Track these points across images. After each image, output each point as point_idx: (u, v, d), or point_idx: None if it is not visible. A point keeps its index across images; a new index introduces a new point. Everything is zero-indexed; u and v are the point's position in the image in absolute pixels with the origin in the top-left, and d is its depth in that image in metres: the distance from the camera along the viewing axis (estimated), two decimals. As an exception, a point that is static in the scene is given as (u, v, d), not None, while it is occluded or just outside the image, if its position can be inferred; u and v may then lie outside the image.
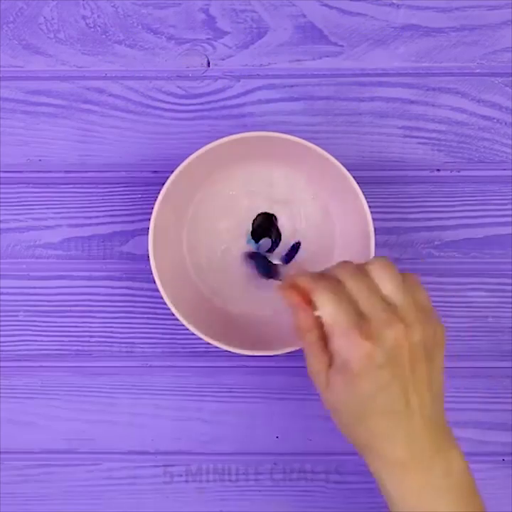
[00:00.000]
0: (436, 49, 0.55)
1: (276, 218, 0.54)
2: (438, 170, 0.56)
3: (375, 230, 0.49)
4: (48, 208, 0.56)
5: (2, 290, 0.56)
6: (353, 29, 0.55)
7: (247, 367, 0.56)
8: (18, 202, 0.56)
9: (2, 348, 0.56)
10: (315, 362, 0.42)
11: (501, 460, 0.56)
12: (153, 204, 0.49)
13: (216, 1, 0.55)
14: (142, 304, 0.56)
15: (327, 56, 0.55)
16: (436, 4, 0.55)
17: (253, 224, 0.54)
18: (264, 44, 0.55)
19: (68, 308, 0.56)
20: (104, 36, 0.55)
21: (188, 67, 0.56)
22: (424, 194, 0.56)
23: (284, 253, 0.54)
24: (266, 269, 0.52)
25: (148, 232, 0.49)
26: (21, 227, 0.56)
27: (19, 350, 0.56)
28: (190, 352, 0.56)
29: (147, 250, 0.49)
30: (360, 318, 0.39)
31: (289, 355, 0.51)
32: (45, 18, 0.55)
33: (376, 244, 0.49)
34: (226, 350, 0.50)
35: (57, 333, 0.56)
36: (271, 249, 0.54)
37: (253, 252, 0.54)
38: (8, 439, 0.57)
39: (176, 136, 0.56)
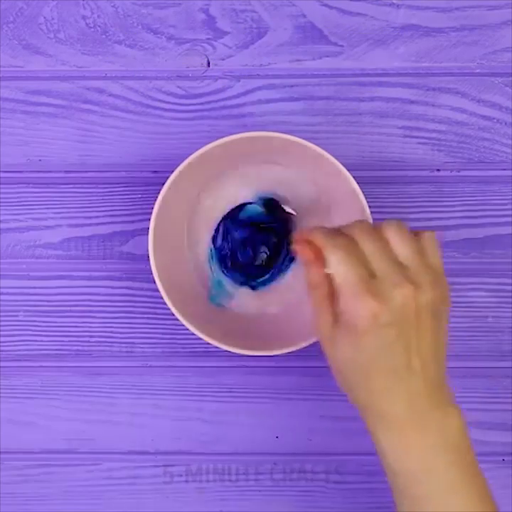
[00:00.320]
0: (436, 49, 0.55)
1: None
2: (438, 170, 0.56)
3: (375, 230, 0.49)
4: (47, 208, 0.56)
5: (2, 290, 0.56)
6: (353, 29, 0.55)
7: (247, 367, 0.56)
8: (18, 202, 0.56)
9: (2, 348, 0.56)
10: (321, 318, 0.42)
11: (501, 460, 0.56)
12: (153, 204, 0.49)
13: (216, 1, 0.55)
14: (142, 304, 0.56)
15: (327, 56, 0.55)
16: (436, 4, 0.55)
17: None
18: (264, 44, 0.55)
19: (68, 308, 0.56)
20: (104, 36, 0.55)
21: (188, 67, 0.56)
22: (424, 194, 0.56)
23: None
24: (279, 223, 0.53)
25: (148, 232, 0.49)
26: (21, 227, 0.56)
27: (19, 350, 0.56)
28: (190, 352, 0.56)
29: (147, 250, 0.49)
30: (370, 278, 0.40)
31: (289, 355, 0.50)
32: (45, 18, 0.55)
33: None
34: (226, 350, 0.50)
35: (57, 333, 0.56)
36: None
37: (269, 199, 0.53)
38: (8, 439, 0.57)
39: (175, 136, 0.56)
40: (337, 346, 0.41)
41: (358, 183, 0.48)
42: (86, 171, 0.56)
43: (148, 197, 0.55)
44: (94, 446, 0.57)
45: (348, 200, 0.50)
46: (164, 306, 0.49)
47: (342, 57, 0.55)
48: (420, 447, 0.41)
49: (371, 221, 0.49)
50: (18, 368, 0.56)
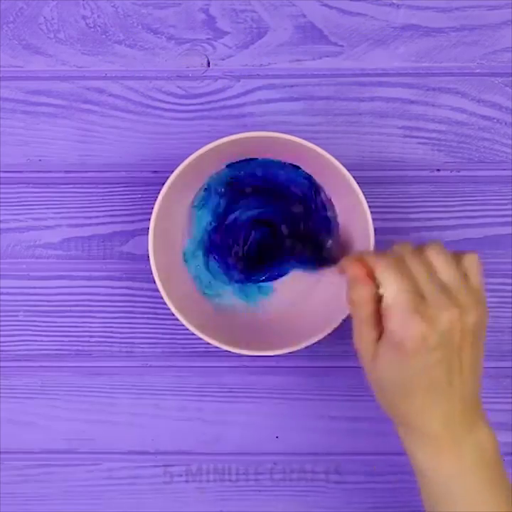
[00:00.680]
0: (436, 49, 0.55)
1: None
2: (438, 170, 0.56)
3: (375, 230, 0.49)
4: (47, 208, 0.56)
5: (2, 290, 0.56)
6: (353, 29, 0.55)
7: (247, 367, 0.56)
8: (18, 202, 0.56)
9: (2, 348, 0.56)
10: (365, 335, 0.43)
11: (501, 460, 0.56)
12: (153, 204, 0.49)
13: (216, 1, 0.55)
14: (142, 304, 0.56)
15: (327, 56, 0.55)
16: (436, 4, 0.55)
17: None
18: (264, 44, 0.55)
19: (68, 308, 0.56)
20: (104, 36, 0.55)
21: (188, 67, 0.56)
22: (424, 194, 0.56)
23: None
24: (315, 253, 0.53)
25: (148, 232, 0.49)
26: (21, 227, 0.56)
27: (19, 350, 0.56)
28: (190, 352, 0.56)
29: (147, 250, 0.49)
30: (420, 299, 0.40)
31: (289, 355, 0.50)
32: (45, 18, 0.55)
33: (376, 244, 0.49)
34: (226, 350, 0.50)
35: (57, 333, 0.56)
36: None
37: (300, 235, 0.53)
38: (8, 439, 0.57)
39: (175, 136, 0.56)
40: (380, 363, 0.42)
41: (358, 183, 0.48)
42: (86, 171, 0.56)
43: (148, 197, 0.55)
44: (94, 446, 0.57)
45: (348, 200, 0.50)
46: (164, 306, 0.49)
47: (342, 57, 0.55)
48: (455, 464, 0.43)
49: (371, 222, 0.49)
50: (18, 368, 0.56)
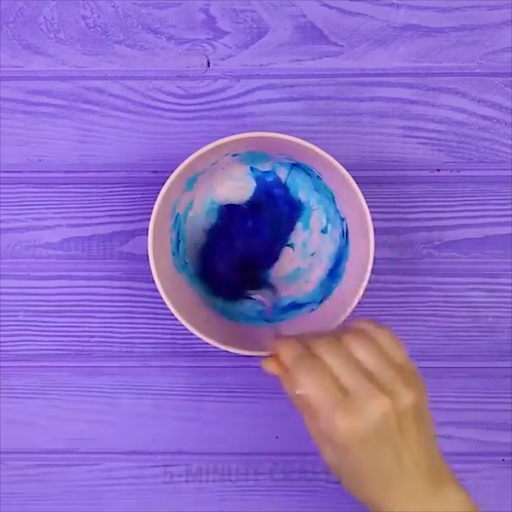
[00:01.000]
0: (436, 49, 0.55)
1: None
2: (438, 170, 0.56)
3: (375, 230, 0.49)
4: (47, 208, 0.56)
5: (2, 290, 0.56)
6: (353, 29, 0.55)
7: (247, 367, 0.56)
8: (18, 202, 0.56)
9: (2, 348, 0.56)
10: (309, 424, 0.43)
11: (501, 460, 0.56)
12: (153, 204, 0.49)
13: (216, 1, 0.55)
14: (142, 303, 0.56)
15: (327, 56, 0.55)
16: (436, 4, 0.55)
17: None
18: (264, 44, 0.55)
19: (68, 308, 0.56)
20: (104, 36, 0.55)
21: (188, 67, 0.56)
22: (424, 194, 0.56)
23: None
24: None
25: (148, 232, 0.49)
26: (21, 227, 0.56)
27: (19, 350, 0.56)
28: (190, 352, 0.56)
29: (147, 250, 0.49)
30: (340, 395, 0.40)
31: (289, 355, 0.50)
32: (45, 18, 0.55)
33: (376, 244, 0.49)
34: (226, 350, 0.50)
35: (57, 333, 0.56)
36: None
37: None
38: (8, 439, 0.57)
39: (175, 136, 0.56)
40: (328, 455, 0.42)
41: (357, 183, 0.48)
42: (86, 171, 0.56)
43: (148, 197, 0.55)
44: (94, 446, 0.57)
45: (348, 200, 0.50)
46: (164, 306, 0.49)
47: (342, 57, 0.55)
48: None
49: (370, 222, 0.48)
50: (18, 368, 0.56)
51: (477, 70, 0.55)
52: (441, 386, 0.56)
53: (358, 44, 0.55)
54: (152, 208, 0.49)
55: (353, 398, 0.40)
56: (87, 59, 0.55)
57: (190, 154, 0.48)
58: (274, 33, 0.55)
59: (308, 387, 0.40)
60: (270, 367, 0.44)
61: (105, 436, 0.57)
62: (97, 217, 0.56)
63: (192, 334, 0.50)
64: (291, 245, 0.54)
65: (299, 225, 0.54)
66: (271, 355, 0.44)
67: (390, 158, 0.55)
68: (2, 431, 0.57)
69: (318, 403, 0.40)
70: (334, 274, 0.53)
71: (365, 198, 0.48)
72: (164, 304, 0.49)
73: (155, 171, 0.55)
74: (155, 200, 0.49)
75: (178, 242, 0.53)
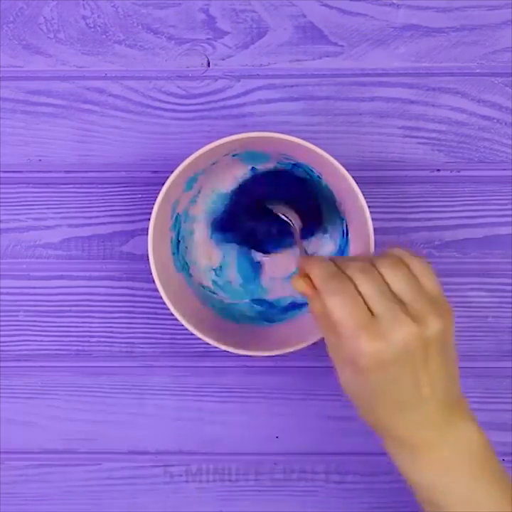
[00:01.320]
0: (436, 49, 0.55)
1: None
2: (438, 170, 0.56)
3: (375, 230, 0.49)
4: (48, 208, 0.56)
5: (2, 290, 0.56)
6: (353, 29, 0.55)
7: (247, 367, 0.56)
8: (18, 202, 0.56)
9: (2, 348, 0.56)
10: (330, 347, 0.42)
11: (501, 460, 0.56)
12: (153, 204, 0.49)
13: (216, 1, 0.55)
14: (142, 303, 0.56)
15: (327, 56, 0.55)
16: (436, 4, 0.55)
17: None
18: (264, 44, 0.55)
19: (68, 308, 0.56)
20: (104, 36, 0.55)
21: (188, 67, 0.56)
22: (424, 194, 0.56)
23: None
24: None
25: (148, 232, 0.49)
26: (21, 227, 0.56)
27: (19, 350, 0.56)
28: (190, 352, 0.56)
29: (147, 250, 0.49)
30: (368, 318, 0.40)
31: (288, 355, 0.50)
32: (45, 18, 0.55)
33: (376, 244, 0.49)
34: (226, 350, 0.50)
35: (57, 333, 0.56)
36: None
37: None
38: (8, 439, 0.57)
39: (175, 136, 0.56)
40: (345, 377, 0.42)
41: (357, 183, 0.48)
42: (86, 171, 0.56)
43: (148, 197, 0.55)
44: (94, 446, 0.57)
45: (348, 200, 0.50)
46: (164, 306, 0.49)
47: (342, 57, 0.55)
48: (438, 462, 0.42)
49: (370, 222, 0.48)
50: (18, 368, 0.56)
51: (477, 70, 0.55)
52: (441, 386, 0.56)
53: (358, 44, 0.55)
54: (152, 208, 0.49)
55: (381, 322, 0.39)
56: (87, 59, 0.55)
57: (190, 154, 0.48)
58: (274, 33, 0.55)
59: (336, 306, 0.40)
60: (300, 286, 0.43)
61: (105, 436, 0.57)
62: (97, 217, 0.56)
63: (192, 334, 0.50)
64: (291, 246, 0.54)
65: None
66: (301, 275, 0.44)
67: (390, 158, 0.55)
68: (2, 431, 0.57)
69: (345, 324, 0.40)
70: (334, 274, 0.53)
71: (365, 198, 0.48)
72: (164, 303, 0.49)
73: (155, 171, 0.55)
74: (155, 200, 0.49)
75: (178, 242, 0.53)
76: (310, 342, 0.50)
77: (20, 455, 0.57)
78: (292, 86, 0.55)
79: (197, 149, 0.48)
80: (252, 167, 0.53)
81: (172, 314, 0.49)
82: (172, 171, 0.49)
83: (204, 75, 0.55)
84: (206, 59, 0.55)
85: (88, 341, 0.56)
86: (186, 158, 0.48)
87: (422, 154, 0.55)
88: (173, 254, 0.53)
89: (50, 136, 0.56)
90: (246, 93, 0.55)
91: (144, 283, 0.56)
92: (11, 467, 0.57)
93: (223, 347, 0.50)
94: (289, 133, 0.48)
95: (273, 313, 0.54)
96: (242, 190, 0.53)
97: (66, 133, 0.56)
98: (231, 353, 0.50)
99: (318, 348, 0.51)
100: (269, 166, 0.53)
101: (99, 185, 0.56)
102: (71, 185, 0.56)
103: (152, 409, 0.56)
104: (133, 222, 0.56)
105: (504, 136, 0.55)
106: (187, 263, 0.54)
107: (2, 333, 0.56)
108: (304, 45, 0.55)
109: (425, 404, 0.41)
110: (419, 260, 0.42)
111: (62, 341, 0.56)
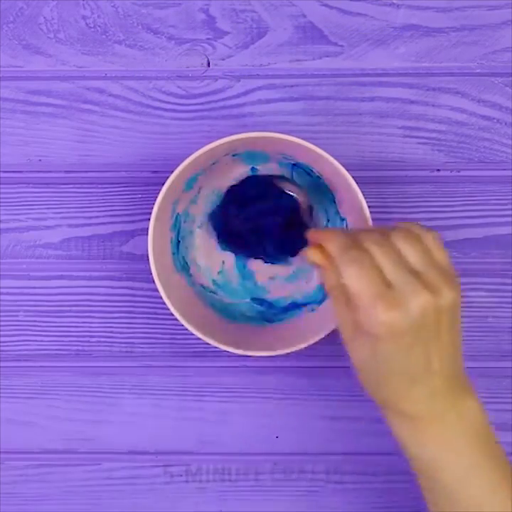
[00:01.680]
0: (436, 49, 0.55)
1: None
2: (438, 170, 0.56)
3: (375, 230, 0.49)
4: (48, 208, 0.56)
5: (2, 290, 0.56)
6: (353, 29, 0.55)
7: (247, 367, 0.56)
8: (18, 202, 0.56)
9: (2, 348, 0.56)
10: (342, 319, 0.43)
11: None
12: (153, 204, 0.49)
13: (216, 1, 0.55)
14: (142, 303, 0.56)
15: (327, 56, 0.55)
16: (436, 4, 0.55)
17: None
18: (264, 44, 0.55)
19: (68, 308, 0.56)
20: (104, 36, 0.55)
21: (188, 67, 0.56)
22: (424, 194, 0.56)
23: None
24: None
25: (148, 232, 0.49)
26: (21, 227, 0.56)
27: (19, 350, 0.56)
28: (190, 352, 0.56)
29: (147, 250, 0.49)
30: (385, 288, 0.40)
31: (289, 355, 0.50)
32: (45, 18, 0.55)
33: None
34: (226, 350, 0.50)
35: (57, 333, 0.56)
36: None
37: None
38: (8, 439, 0.57)
39: (175, 136, 0.56)
40: (357, 348, 0.42)
41: (357, 183, 0.48)
42: (86, 171, 0.56)
43: (148, 197, 0.55)
44: (94, 446, 0.57)
45: (348, 200, 0.50)
46: (164, 306, 0.49)
47: (342, 57, 0.55)
48: (440, 436, 0.42)
49: (370, 222, 0.49)
50: (18, 368, 0.56)
51: (477, 70, 0.55)
52: (441, 386, 0.56)
53: (358, 44, 0.55)
54: (152, 208, 0.49)
55: (397, 292, 0.40)
56: (87, 59, 0.55)
57: (190, 154, 0.48)
58: (274, 33, 0.55)
59: (352, 277, 0.40)
60: (315, 257, 0.44)
61: (105, 436, 0.57)
62: (97, 217, 0.56)
63: (192, 334, 0.50)
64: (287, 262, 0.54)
65: None
66: (316, 246, 0.44)
67: (390, 158, 0.55)
68: (2, 431, 0.57)
69: (361, 294, 0.40)
70: (334, 274, 0.53)
71: (365, 198, 0.48)
72: (164, 303, 0.49)
73: (155, 171, 0.55)
74: (155, 200, 0.49)
75: (178, 242, 0.53)
76: (310, 342, 0.50)
77: (20, 455, 0.57)
78: (292, 86, 0.55)
79: (197, 149, 0.48)
80: (252, 167, 0.53)
81: (172, 314, 0.49)
82: (172, 171, 0.49)
83: (204, 75, 0.55)
84: (206, 59, 0.55)
85: (88, 341, 0.56)
86: (186, 158, 0.48)
87: (422, 154, 0.55)
88: (173, 254, 0.53)
89: (50, 136, 0.56)
90: (246, 93, 0.55)
91: (144, 283, 0.56)
92: (11, 467, 0.57)
93: (223, 347, 0.50)
94: (289, 133, 0.48)
95: (273, 313, 0.54)
96: (234, 194, 0.53)
97: (66, 133, 0.56)
98: (231, 353, 0.50)
99: (318, 348, 0.51)
100: (269, 166, 0.53)
101: (99, 185, 0.56)
102: (71, 185, 0.56)
103: (152, 409, 0.56)
104: (133, 222, 0.56)
105: (504, 136, 0.55)
106: (187, 263, 0.54)
107: (2, 333, 0.56)
108: (303, 45, 0.55)
109: (433, 378, 0.42)
110: (430, 233, 0.43)
111: (62, 341, 0.56)
